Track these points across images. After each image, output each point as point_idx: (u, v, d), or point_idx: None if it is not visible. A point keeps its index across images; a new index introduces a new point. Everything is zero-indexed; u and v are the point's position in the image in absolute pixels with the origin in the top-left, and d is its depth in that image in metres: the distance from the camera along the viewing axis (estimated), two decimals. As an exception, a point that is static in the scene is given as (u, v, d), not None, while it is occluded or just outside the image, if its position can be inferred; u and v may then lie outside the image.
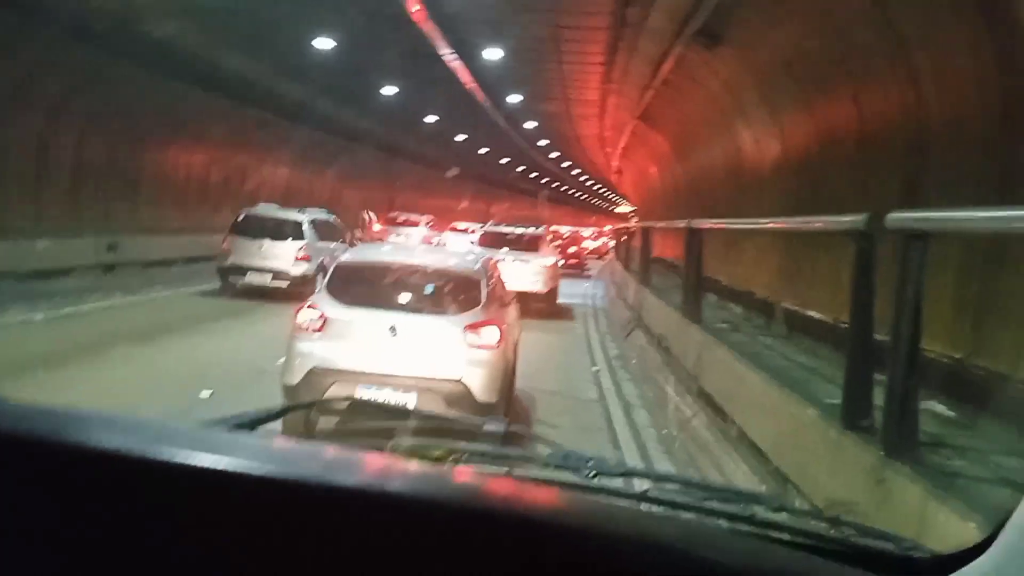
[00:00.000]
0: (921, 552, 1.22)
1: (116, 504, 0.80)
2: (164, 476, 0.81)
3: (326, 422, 2.55)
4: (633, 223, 38.15)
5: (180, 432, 0.93)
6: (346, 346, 6.36)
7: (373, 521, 0.79)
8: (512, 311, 8.12)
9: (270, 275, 15.62)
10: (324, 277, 7.32)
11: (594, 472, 1.37)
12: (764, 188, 11.30)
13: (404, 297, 6.72)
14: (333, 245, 15.77)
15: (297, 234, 15.98)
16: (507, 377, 6.85)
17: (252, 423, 1.43)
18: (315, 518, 0.80)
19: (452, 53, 18.80)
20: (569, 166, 51.34)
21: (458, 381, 6.26)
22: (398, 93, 24.05)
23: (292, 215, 16.57)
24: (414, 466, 1.09)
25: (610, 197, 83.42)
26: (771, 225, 8.14)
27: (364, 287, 6.85)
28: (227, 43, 17.57)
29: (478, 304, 6.67)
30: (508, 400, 7.02)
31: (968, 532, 2.48)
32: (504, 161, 46.29)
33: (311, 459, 0.93)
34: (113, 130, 17.13)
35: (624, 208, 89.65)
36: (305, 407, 1.67)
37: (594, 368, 11.45)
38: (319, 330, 6.43)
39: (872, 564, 1.15)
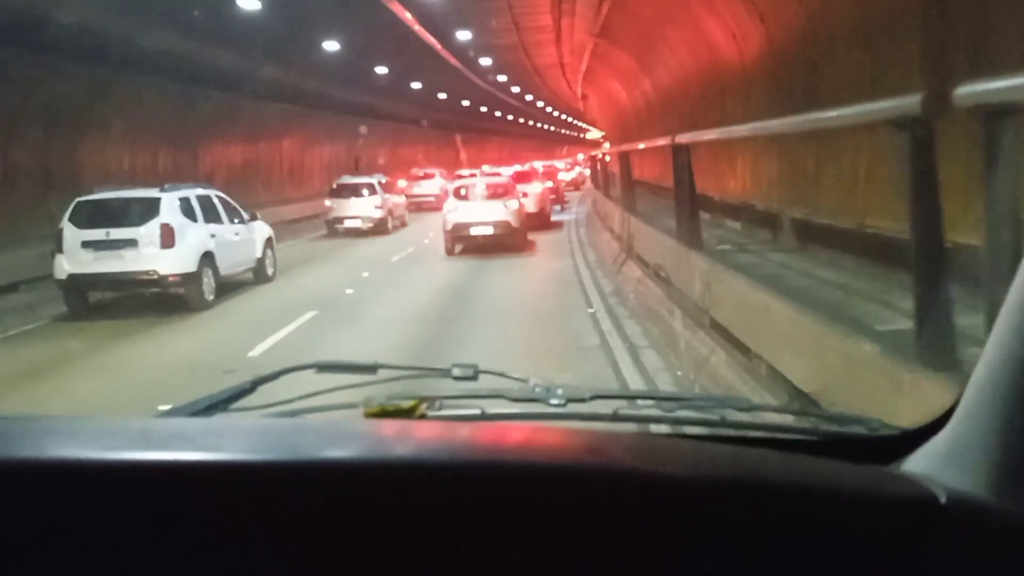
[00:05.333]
0: (889, 430, 1.24)
1: (83, 514, 0.81)
2: (123, 477, 0.82)
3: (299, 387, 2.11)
4: (605, 148, 37.07)
5: (140, 427, 1.04)
6: (464, 214, 17.48)
7: (354, 494, 0.83)
8: (530, 198, 20.43)
9: (359, 220, 22.98)
10: (451, 191, 18.69)
11: (564, 399, 1.39)
12: (749, 89, 10.27)
13: (481, 194, 17.95)
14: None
15: (373, 191, 23.24)
16: (524, 220, 17.93)
17: (223, 402, 1.42)
18: (302, 497, 0.82)
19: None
20: (532, 99, 49.92)
21: (506, 221, 17.35)
22: (342, 48, 22.75)
23: (367, 179, 23.93)
24: (379, 427, 1.19)
25: (578, 125, 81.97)
26: (778, 127, 7.01)
27: (466, 192, 18.15)
28: (145, 20, 16.26)
29: (510, 193, 18.03)
30: (525, 229, 17.97)
31: None
32: (465, 104, 44.88)
33: (290, 436, 1.00)
34: (40, 127, 15.90)
35: (594, 134, 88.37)
36: (272, 377, 1.39)
37: (590, 309, 10.63)
38: (454, 210, 17.67)
39: (840, 448, 1.20)
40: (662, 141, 9.25)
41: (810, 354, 4.43)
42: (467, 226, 17.72)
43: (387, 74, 28.52)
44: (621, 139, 26.57)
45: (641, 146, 15.12)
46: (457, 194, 18.57)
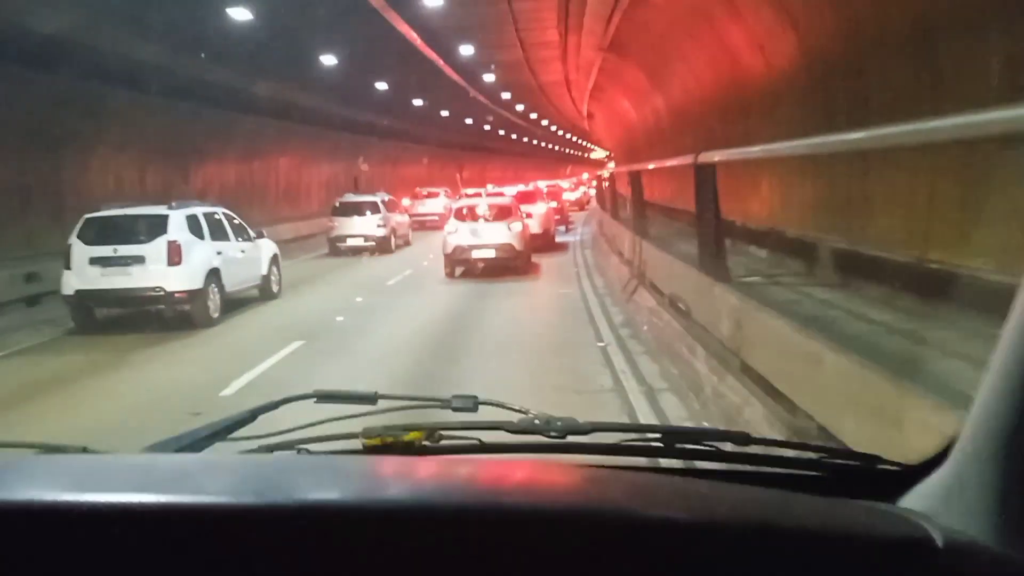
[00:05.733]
0: (888, 465, 1.24)
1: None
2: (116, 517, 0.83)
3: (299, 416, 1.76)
4: (611, 168, 36.26)
5: (127, 465, 1.07)
6: (466, 236, 16.60)
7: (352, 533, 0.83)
8: (535, 219, 20.02)
9: (362, 239, 22.83)
10: (452, 211, 17.97)
11: (564, 432, 1.37)
12: (778, 104, 9.35)
13: (484, 215, 17.23)
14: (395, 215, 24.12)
15: (376, 209, 23.10)
16: (528, 242, 17.14)
17: (224, 431, 1.42)
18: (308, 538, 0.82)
19: (387, 2, 16.76)
20: (537, 118, 49.24)
21: (509, 243, 16.63)
22: (340, 63, 21.99)
23: (370, 197, 23.64)
24: (379, 465, 1.20)
25: (582, 145, 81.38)
26: (835, 144, 5.69)
27: (468, 213, 17.40)
28: (135, 32, 15.50)
29: (513, 214, 17.27)
30: (529, 252, 17.25)
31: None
32: (468, 121, 44.19)
33: (282, 476, 1.03)
34: (22, 142, 15.09)
35: (598, 154, 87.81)
36: (273, 407, 1.53)
37: (600, 343, 9.72)
38: (455, 232, 16.68)
39: (841, 484, 1.22)
40: (680, 160, 8.39)
41: (890, 424, 3.52)
42: (468, 248, 16.88)
43: (387, 91, 27.79)
44: (628, 159, 25.74)
45: (651, 166, 14.25)
46: (458, 215, 17.74)
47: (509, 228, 17.07)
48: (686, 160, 8.04)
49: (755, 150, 6.47)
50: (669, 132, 17.54)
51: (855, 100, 7.10)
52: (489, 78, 29.68)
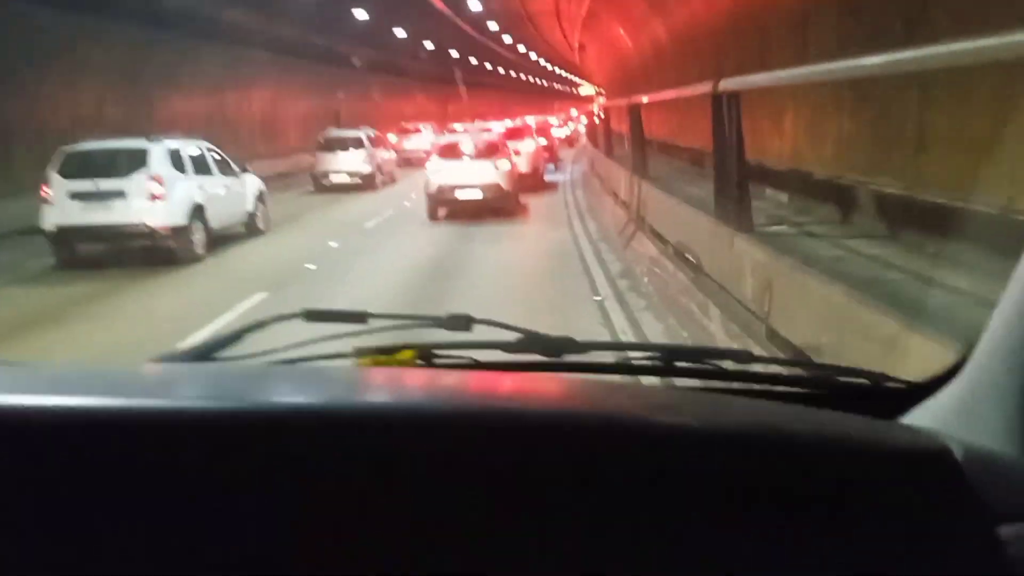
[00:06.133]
0: (895, 383, 1.22)
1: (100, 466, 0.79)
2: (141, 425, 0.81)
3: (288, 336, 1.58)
4: (602, 102, 34.79)
5: (139, 375, 1.08)
6: (449, 175, 15.46)
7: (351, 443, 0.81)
8: (523, 157, 18.64)
9: (346, 175, 22.20)
10: (435, 148, 16.66)
11: (561, 350, 1.33)
12: (806, 24, 8.08)
13: (469, 153, 16.08)
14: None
15: (361, 145, 22.42)
16: (515, 182, 15.97)
17: (207, 351, 1.36)
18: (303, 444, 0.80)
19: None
20: (525, 51, 47.44)
21: (496, 183, 15.43)
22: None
23: (355, 133, 22.83)
24: (370, 375, 1.19)
25: (572, 80, 79.22)
26: (902, 62, 4.47)
27: (453, 151, 16.15)
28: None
29: (500, 152, 16.02)
30: (517, 192, 16.18)
31: None
32: (454, 55, 42.42)
33: (283, 383, 1.03)
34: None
35: (587, 90, 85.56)
36: (260, 326, 1.47)
37: (596, 297, 8.72)
38: (437, 171, 15.55)
39: (845, 401, 1.16)
40: (694, 90, 7.27)
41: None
42: (452, 189, 15.73)
43: (367, 19, 26.16)
44: (623, 93, 24.37)
45: (653, 98, 13.00)
46: (442, 152, 16.54)
47: (496, 167, 15.91)
48: (701, 89, 6.93)
49: (790, 73, 5.34)
50: (671, 63, 16.27)
51: (913, 16, 5.88)
52: (475, 6, 28.03)
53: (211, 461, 0.79)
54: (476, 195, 15.72)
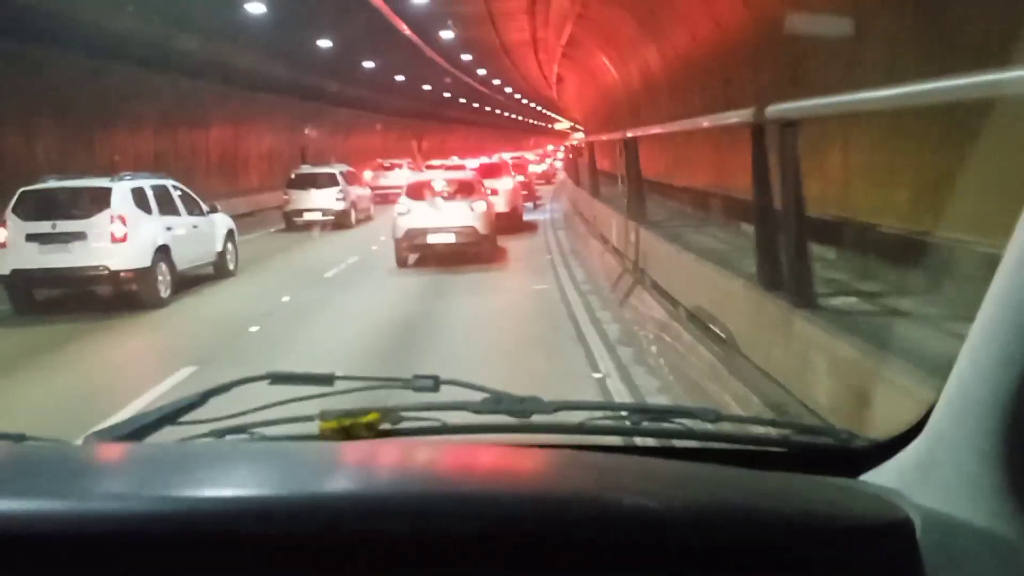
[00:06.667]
0: (860, 441, 1.22)
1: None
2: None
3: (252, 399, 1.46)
4: (580, 137, 33.55)
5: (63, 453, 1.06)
6: (420, 218, 14.01)
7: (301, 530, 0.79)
8: (501, 196, 17.86)
9: (320, 212, 21.35)
10: (404, 188, 15.19)
11: (528, 412, 1.32)
12: (863, 34, 6.48)
13: (442, 193, 14.65)
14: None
15: (334, 181, 21.67)
16: (493, 224, 14.63)
17: (159, 421, 1.34)
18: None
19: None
20: (500, 84, 46.28)
21: (471, 226, 14.06)
22: (277, 16, 18.94)
23: (328, 169, 22.20)
24: (337, 453, 1.14)
25: (547, 115, 78.36)
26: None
27: (423, 190, 14.75)
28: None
29: (476, 192, 14.81)
30: (495, 235, 14.77)
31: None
32: (426, 88, 41.08)
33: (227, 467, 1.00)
34: None
35: (562, 125, 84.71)
36: (223, 389, 1.38)
37: (596, 375, 7.11)
38: (406, 213, 14.11)
39: (810, 460, 1.18)
40: (727, 119, 5.71)
41: None
42: (423, 233, 14.14)
43: (334, 49, 24.67)
44: (605, 127, 23.02)
45: (654, 131, 11.41)
46: (411, 192, 14.95)
47: (472, 208, 14.35)
48: (736, 118, 5.42)
49: (889, 94, 3.81)
50: (666, 91, 14.81)
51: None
52: (448, 36, 26.67)
53: (171, 554, 0.76)
54: (449, 239, 14.16)
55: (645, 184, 10.67)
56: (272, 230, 21.70)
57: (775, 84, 8.38)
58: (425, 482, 0.95)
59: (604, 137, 16.67)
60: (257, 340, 9.10)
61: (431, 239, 14.14)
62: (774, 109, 4.61)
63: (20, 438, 1.22)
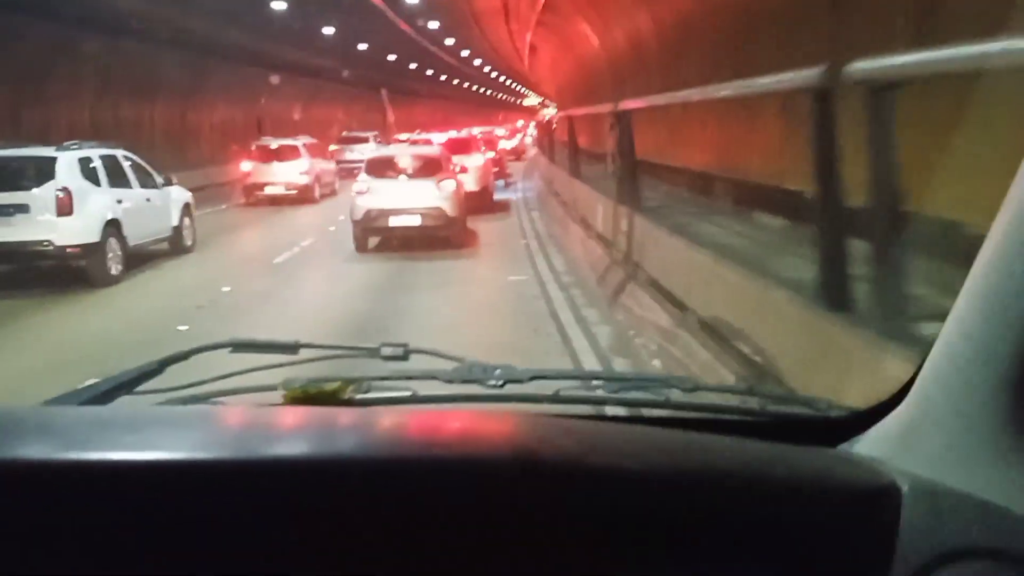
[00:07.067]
0: (838, 411, 1.20)
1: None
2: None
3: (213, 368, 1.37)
4: (557, 113, 32.07)
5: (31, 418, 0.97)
6: (381, 198, 12.50)
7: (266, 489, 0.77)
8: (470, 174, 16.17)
9: (282, 187, 20.38)
10: (364, 165, 13.52)
11: (502, 380, 1.29)
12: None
13: (405, 170, 13.18)
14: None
15: (297, 154, 20.72)
16: (462, 205, 13.02)
17: (114, 390, 1.28)
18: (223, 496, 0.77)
19: None
20: (469, 55, 44.57)
21: (438, 208, 12.53)
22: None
23: (291, 141, 21.24)
24: (299, 416, 1.09)
25: (516, 89, 76.63)
26: None
27: (385, 167, 13.24)
28: None
29: (443, 169, 13.22)
30: (464, 217, 13.26)
31: None
32: (391, 58, 39.29)
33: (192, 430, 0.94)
34: None
35: (531, 100, 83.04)
36: (182, 357, 1.32)
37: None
38: (366, 192, 12.61)
39: (788, 430, 1.15)
40: (786, 81, 4.41)
41: None
42: (384, 214, 12.72)
43: (290, 14, 22.94)
44: (581, 102, 21.60)
45: (633, 104, 9.94)
46: (372, 169, 13.49)
47: (439, 187, 12.94)
48: (787, 82, 4.13)
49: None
50: (658, 60, 13.42)
51: None
52: (414, 0, 25.02)
53: (125, 515, 0.75)
54: (414, 221, 12.76)
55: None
56: (223, 206, 20.16)
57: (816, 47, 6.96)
58: (396, 446, 0.90)
59: (586, 111, 15.25)
60: (183, 342, 7.69)
61: (393, 221, 12.73)
62: (861, 67, 3.31)
63: None
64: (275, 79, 29.20)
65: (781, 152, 7.26)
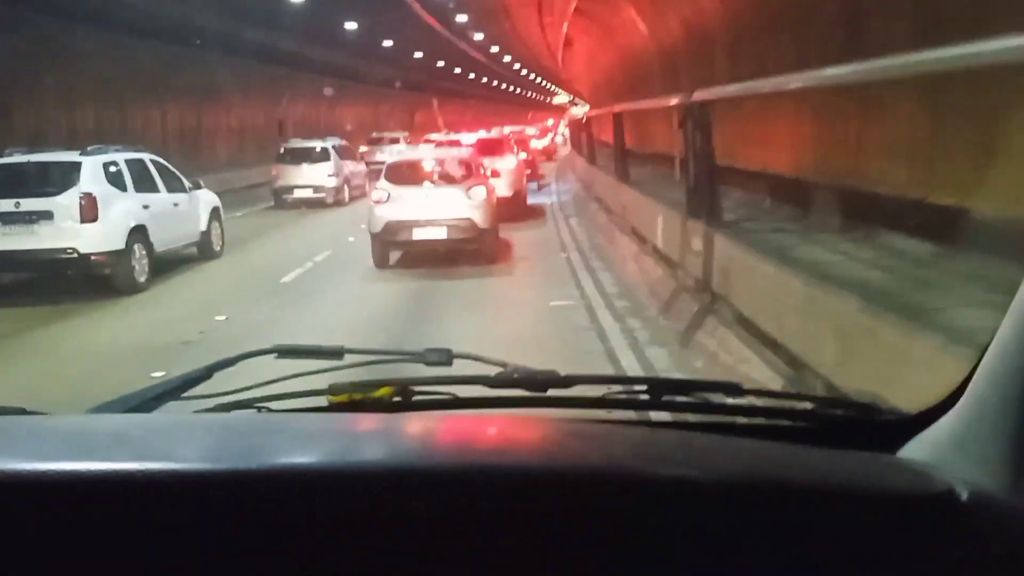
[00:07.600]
0: (890, 415, 1.17)
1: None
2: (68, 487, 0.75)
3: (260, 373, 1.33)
4: (583, 110, 30.46)
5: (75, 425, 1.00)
6: (403, 208, 11.01)
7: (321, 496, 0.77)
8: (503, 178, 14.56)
9: (311, 189, 19.85)
10: (383, 171, 12.13)
11: (545, 384, 1.27)
12: None
13: (430, 175, 11.80)
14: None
15: (327, 156, 20.13)
16: (494, 215, 11.45)
17: (163, 395, 1.29)
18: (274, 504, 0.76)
19: None
20: (499, 52, 43.07)
21: (467, 219, 11.02)
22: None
23: (320, 143, 20.57)
24: (348, 423, 1.13)
25: (546, 87, 74.98)
26: None
27: (408, 173, 11.83)
28: None
29: (473, 174, 11.71)
30: (496, 227, 11.63)
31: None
32: (418, 56, 37.89)
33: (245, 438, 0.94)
34: None
35: (561, 99, 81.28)
36: (228, 363, 1.33)
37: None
38: (386, 201, 11.14)
39: (838, 435, 1.13)
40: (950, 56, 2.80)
41: None
42: (407, 227, 11.21)
43: (314, 11, 21.58)
44: (620, 98, 19.98)
45: (710, 95, 8.20)
46: (392, 174, 12.00)
47: (468, 195, 11.41)
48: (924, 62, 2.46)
49: None
50: (727, 47, 11.73)
51: None
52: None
53: (180, 524, 0.74)
54: (440, 234, 11.25)
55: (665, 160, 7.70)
56: (239, 213, 18.84)
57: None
58: (446, 453, 0.91)
59: (639, 105, 13.60)
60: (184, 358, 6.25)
61: (417, 235, 11.22)
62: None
63: (19, 411, 1.18)
64: (328, 91, 28.15)
65: (923, 155, 5.66)
